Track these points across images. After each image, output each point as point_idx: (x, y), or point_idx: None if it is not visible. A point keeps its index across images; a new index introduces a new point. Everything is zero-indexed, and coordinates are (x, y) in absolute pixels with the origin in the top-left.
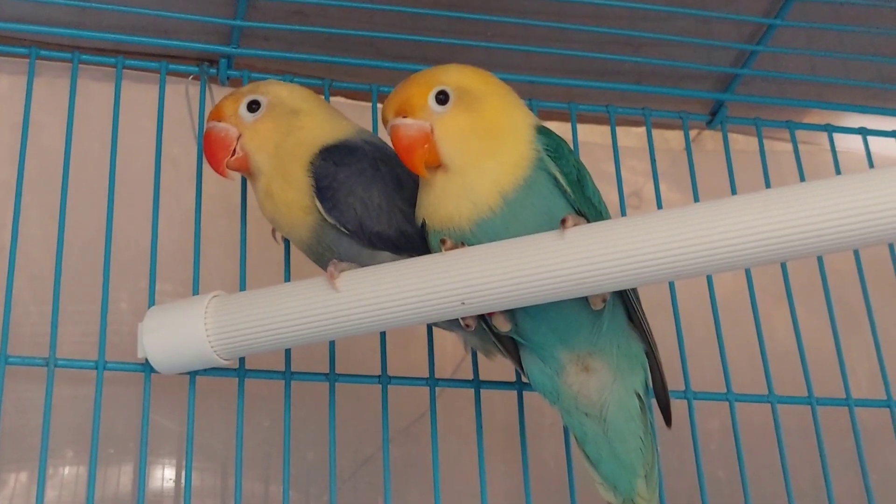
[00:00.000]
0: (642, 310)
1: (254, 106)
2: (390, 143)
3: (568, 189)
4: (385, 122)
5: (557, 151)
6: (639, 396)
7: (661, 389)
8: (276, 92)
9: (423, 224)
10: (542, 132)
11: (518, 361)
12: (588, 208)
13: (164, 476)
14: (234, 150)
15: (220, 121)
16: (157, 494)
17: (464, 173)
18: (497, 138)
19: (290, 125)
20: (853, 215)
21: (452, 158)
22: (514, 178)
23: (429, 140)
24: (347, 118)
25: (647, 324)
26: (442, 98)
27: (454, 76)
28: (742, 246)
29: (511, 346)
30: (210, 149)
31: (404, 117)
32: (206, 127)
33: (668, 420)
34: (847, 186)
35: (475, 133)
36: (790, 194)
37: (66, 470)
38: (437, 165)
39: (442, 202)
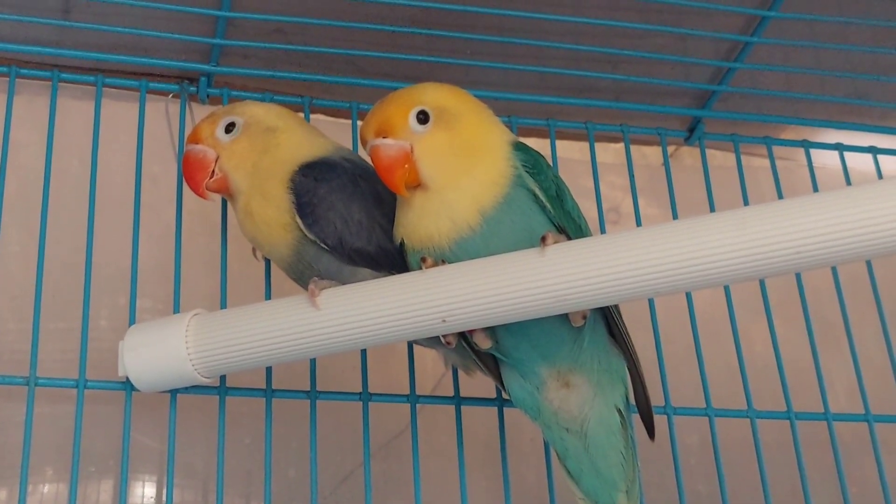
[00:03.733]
0: (624, 324)
1: (230, 127)
2: (370, 162)
3: (547, 204)
4: (364, 142)
5: (535, 167)
6: (619, 411)
7: (643, 403)
8: (251, 111)
9: (402, 244)
10: (519, 148)
11: (498, 378)
12: (568, 223)
13: (145, 494)
14: (213, 171)
15: (197, 143)
16: None
17: (443, 192)
18: (475, 156)
19: (267, 143)
20: (831, 233)
21: (432, 177)
22: (494, 195)
23: (409, 160)
24: (325, 135)
25: (629, 338)
26: (422, 118)
27: (432, 95)
28: (721, 263)
29: (491, 363)
30: (189, 171)
31: (384, 137)
32: (185, 150)
33: (651, 433)
34: (825, 204)
35: (454, 152)
36: (768, 212)
37: (46, 488)
38: (416, 185)
39: (421, 221)
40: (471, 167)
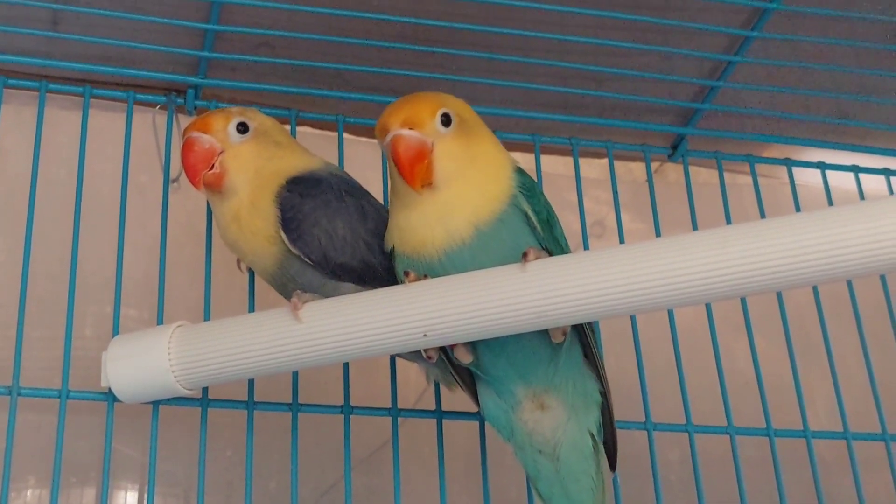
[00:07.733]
0: (598, 349)
1: (241, 128)
2: (387, 160)
3: (538, 227)
4: (384, 131)
5: (531, 191)
6: (592, 436)
7: (609, 432)
8: (262, 120)
9: (392, 251)
10: (519, 171)
11: (474, 395)
12: (555, 248)
13: None
14: (213, 165)
15: (205, 133)
16: None
17: (446, 198)
18: (485, 170)
19: (273, 155)
20: (811, 253)
21: (444, 180)
22: (491, 210)
23: (429, 156)
24: (315, 154)
25: (602, 363)
26: (445, 120)
27: (454, 103)
28: (702, 282)
29: (468, 379)
30: (191, 159)
31: (410, 129)
32: (190, 136)
33: (612, 464)
34: (806, 224)
35: (468, 158)
36: (749, 231)
37: (28, 497)
38: (427, 184)
39: (418, 227)
40: (478, 179)
